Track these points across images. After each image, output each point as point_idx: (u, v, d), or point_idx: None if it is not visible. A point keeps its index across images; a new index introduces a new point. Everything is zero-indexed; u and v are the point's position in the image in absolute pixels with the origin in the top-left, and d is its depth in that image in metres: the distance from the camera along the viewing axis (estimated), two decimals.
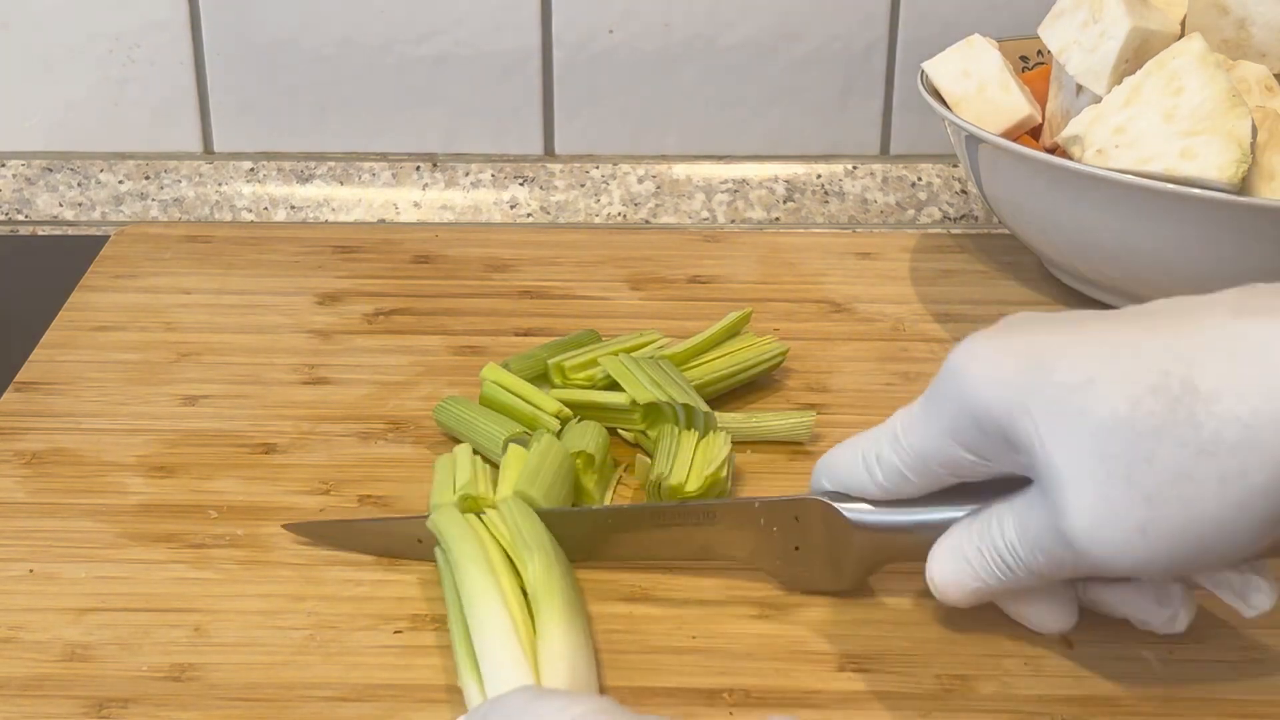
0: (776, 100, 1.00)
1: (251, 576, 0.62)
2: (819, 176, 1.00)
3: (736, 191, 1.00)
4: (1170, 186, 0.73)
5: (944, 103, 0.84)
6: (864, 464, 0.57)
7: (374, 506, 0.66)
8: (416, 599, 0.60)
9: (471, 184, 0.99)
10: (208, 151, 1.00)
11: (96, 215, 0.98)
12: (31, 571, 0.62)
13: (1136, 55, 0.79)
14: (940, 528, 0.56)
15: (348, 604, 0.60)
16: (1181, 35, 0.82)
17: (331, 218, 0.98)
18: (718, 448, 0.66)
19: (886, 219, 0.99)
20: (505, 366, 0.72)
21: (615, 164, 1.00)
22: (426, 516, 0.61)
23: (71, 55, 0.97)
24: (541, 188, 0.99)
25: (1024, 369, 0.51)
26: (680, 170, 1.00)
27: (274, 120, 0.99)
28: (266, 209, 0.99)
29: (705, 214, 0.99)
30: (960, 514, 0.56)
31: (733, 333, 0.76)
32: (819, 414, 0.72)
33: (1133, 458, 0.49)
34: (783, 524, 0.59)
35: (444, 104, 0.99)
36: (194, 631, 0.59)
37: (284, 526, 0.64)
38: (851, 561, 0.59)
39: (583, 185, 0.99)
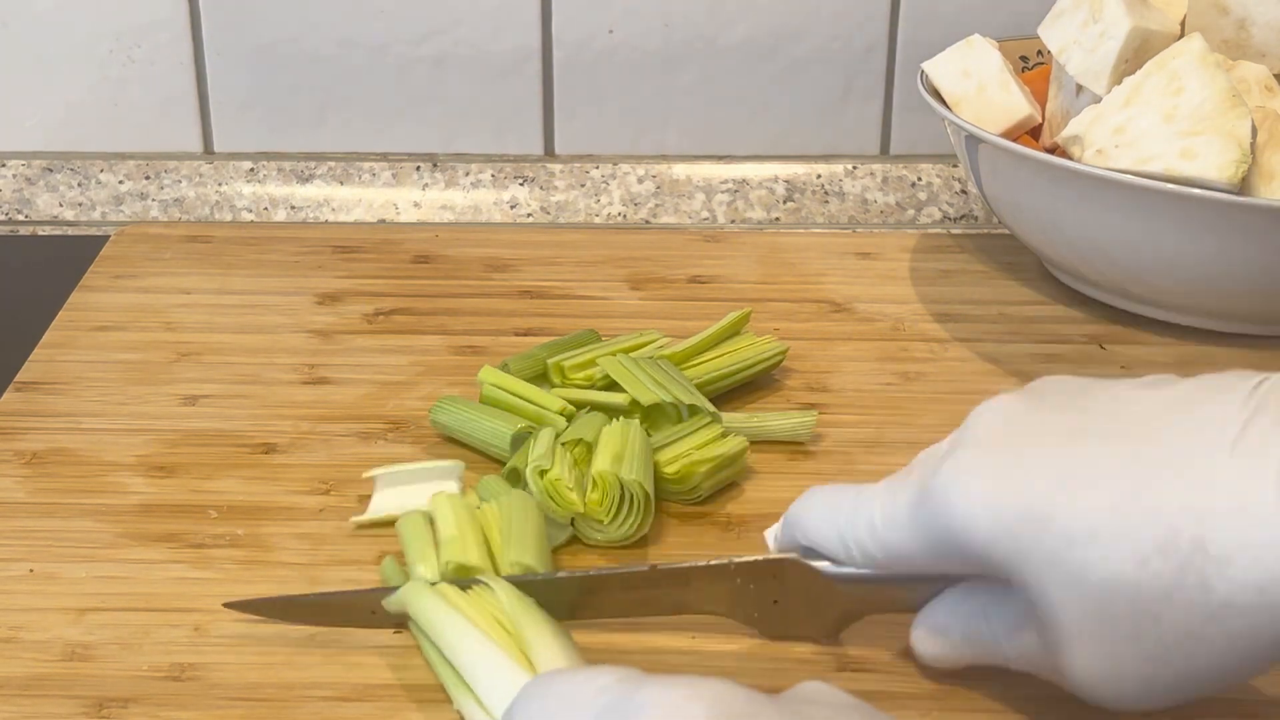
0: (776, 100, 1.00)
1: (251, 576, 0.62)
2: (819, 176, 1.00)
3: (736, 191, 1.00)
4: (1170, 186, 0.73)
5: (944, 103, 0.84)
6: (840, 542, 0.55)
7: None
8: None
9: (471, 184, 0.99)
10: (208, 151, 1.00)
11: (96, 215, 0.98)
12: (31, 571, 0.62)
13: (1136, 55, 0.79)
14: (929, 581, 0.55)
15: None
16: (1181, 35, 0.82)
17: (331, 218, 0.98)
18: (721, 449, 0.66)
19: (886, 219, 0.99)
20: (504, 367, 0.72)
21: (615, 164, 1.00)
22: (379, 592, 0.58)
23: (71, 55, 0.97)
24: (541, 188, 0.99)
25: (1022, 518, 0.49)
26: (680, 170, 1.00)
27: (274, 120, 0.99)
28: (266, 209, 0.99)
29: (705, 214, 0.99)
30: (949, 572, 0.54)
31: (732, 332, 0.76)
32: (819, 414, 0.72)
33: (1139, 618, 0.47)
34: (760, 581, 0.57)
35: (444, 104, 0.99)
36: (194, 631, 0.59)
37: (225, 605, 0.59)
38: (833, 613, 0.57)
39: (583, 185, 0.99)
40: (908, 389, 0.76)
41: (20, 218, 0.98)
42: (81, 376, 0.76)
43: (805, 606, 0.57)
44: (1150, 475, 0.47)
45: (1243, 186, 0.74)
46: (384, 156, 1.00)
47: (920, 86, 0.86)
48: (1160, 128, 0.75)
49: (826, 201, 0.99)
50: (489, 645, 0.53)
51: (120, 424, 0.72)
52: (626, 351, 0.73)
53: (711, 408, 0.68)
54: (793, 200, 1.00)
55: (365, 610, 0.58)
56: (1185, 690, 0.49)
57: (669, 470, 0.65)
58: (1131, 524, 0.47)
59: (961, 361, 0.79)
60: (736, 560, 0.57)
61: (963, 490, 0.50)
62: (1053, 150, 0.81)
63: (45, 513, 0.66)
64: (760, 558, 0.57)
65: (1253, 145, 0.73)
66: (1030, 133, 0.85)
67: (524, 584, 0.57)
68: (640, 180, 1.00)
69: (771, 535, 0.59)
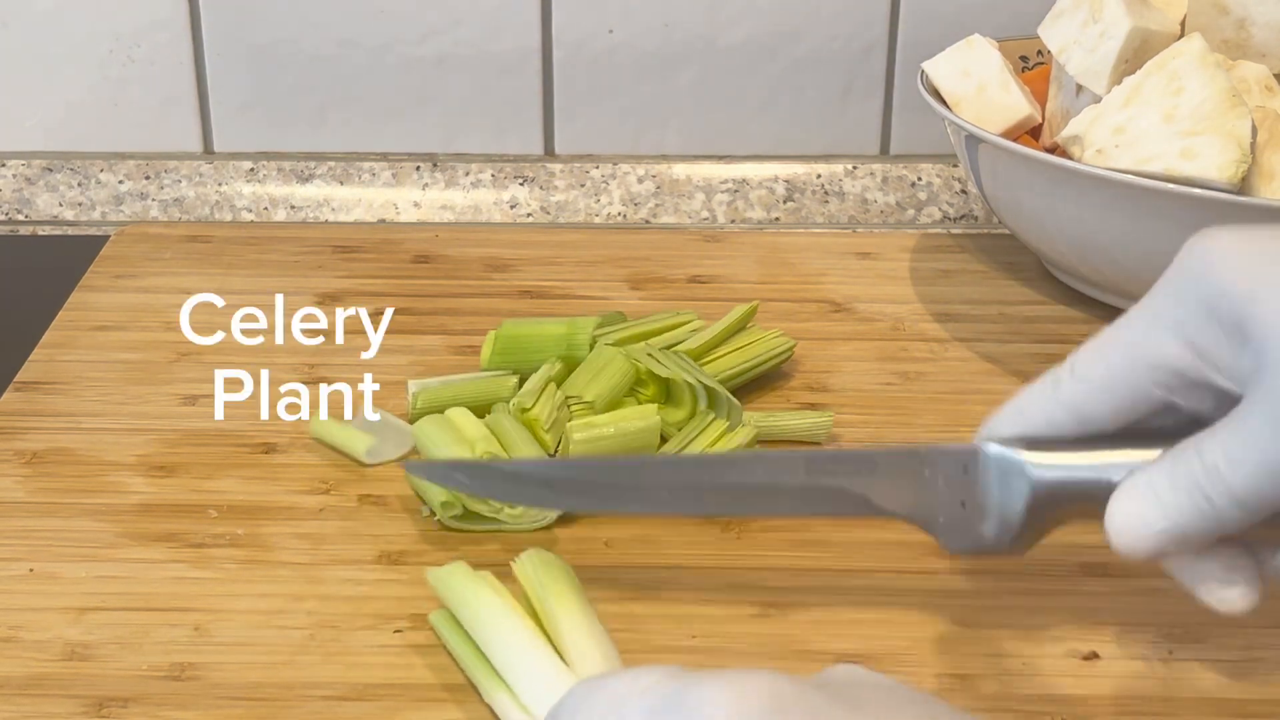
0: (776, 100, 1.00)
1: (251, 576, 0.62)
2: (819, 176, 1.00)
3: (736, 191, 1.00)
4: (1170, 186, 0.73)
5: (944, 102, 0.84)
6: (1052, 382, 0.51)
7: (374, 506, 0.66)
8: (416, 599, 0.60)
9: (471, 184, 0.99)
10: (208, 151, 1.00)
11: (96, 215, 0.98)
12: (31, 571, 0.62)
13: (1136, 55, 0.79)
14: (1131, 442, 0.51)
15: (348, 604, 0.60)
16: (1181, 35, 0.82)
17: (331, 218, 0.98)
18: (736, 441, 0.67)
19: (886, 219, 0.99)
20: (495, 340, 0.74)
21: (615, 164, 1.00)
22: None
23: (71, 55, 0.97)
24: (541, 188, 0.99)
25: (1271, 257, 0.47)
26: (680, 170, 1.00)
27: (274, 120, 0.99)
28: (266, 209, 0.99)
29: (705, 214, 0.99)
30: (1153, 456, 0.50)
31: (740, 327, 0.76)
32: (817, 413, 0.72)
33: None
34: (949, 475, 0.53)
35: (444, 104, 0.99)
36: (194, 631, 0.59)
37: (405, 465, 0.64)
38: (1023, 521, 0.52)
39: (583, 185, 0.99)
40: (908, 389, 0.76)
41: (20, 218, 0.98)
42: (81, 376, 0.76)
43: (995, 511, 0.53)
44: None
45: (1243, 186, 0.74)
46: (384, 156, 1.00)
47: (920, 86, 0.86)
48: (1160, 127, 0.75)
49: (826, 201, 0.99)
50: (531, 640, 0.53)
51: (120, 424, 0.72)
52: (661, 331, 0.74)
53: (735, 401, 0.69)
54: (793, 200, 1.00)
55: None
56: None
57: None
58: None
59: (961, 361, 0.79)
60: (926, 447, 0.54)
61: (1213, 237, 0.49)
62: (1053, 150, 0.81)
63: (45, 513, 0.66)
64: (954, 445, 0.54)
65: (1253, 145, 0.73)
66: (1030, 133, 0.85)
67: (691, 462, 0.55)
68: (640, 180, 1.00)
69: (984, 429, 0.54)
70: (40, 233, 0.98)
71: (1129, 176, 0.74)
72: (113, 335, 0.80)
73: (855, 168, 1.00)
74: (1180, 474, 0.48)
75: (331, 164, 1.00)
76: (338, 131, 0.99)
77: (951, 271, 0.89)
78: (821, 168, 1.00)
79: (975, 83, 0.84)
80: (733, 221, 0.99)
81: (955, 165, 1.00)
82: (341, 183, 0.99)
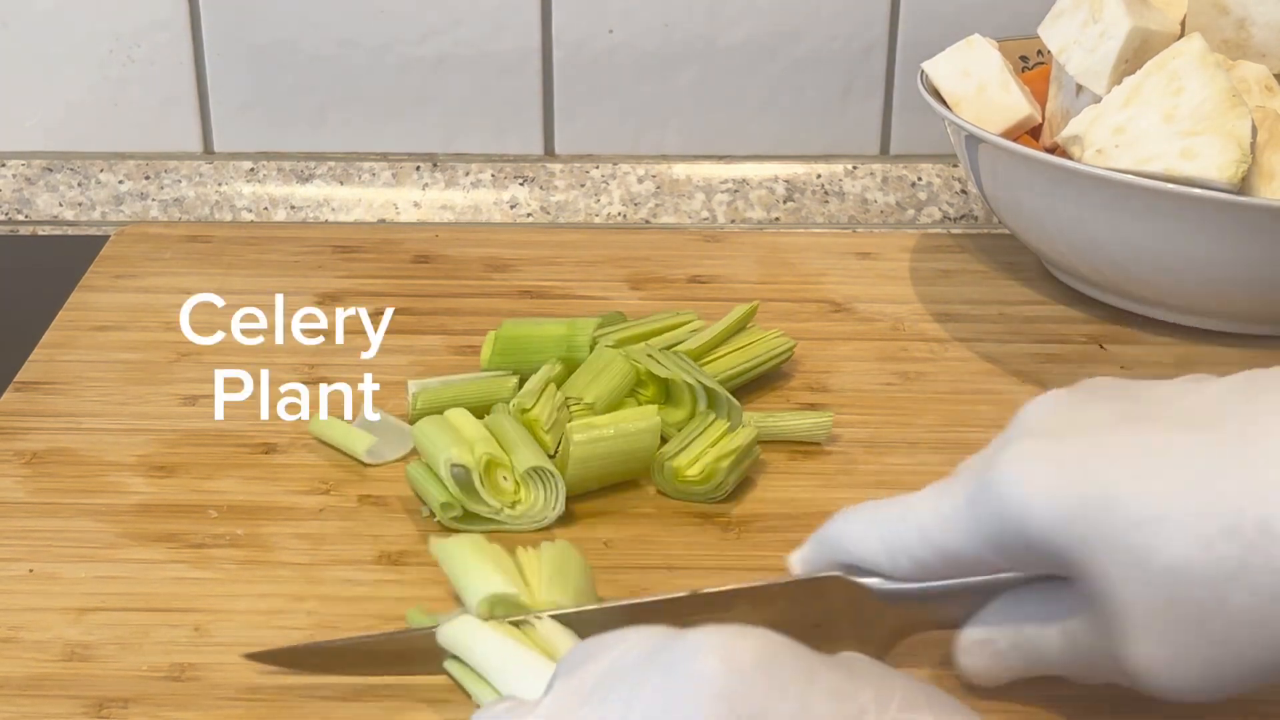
0: (776, 100, 1.00)
1: (251, 576, 0.62)
2: (819, 176, 1.00)
3: (736, 191, 1.00)
4: (1170, 186, 0.73)
5: (944, 103, 0.84)
6: (886, 552, 0.53)
7: (374, 506, 0.66)
8: (416, 599, 0.60)
9: (471, 184, 0.99)
10: (208, 151, 1.00)
11: (96, 215, 0.98)
12: (31, 571, 0.62)
13: (1136, 55, 0.79)
14: (978, 592, 0.53)
15: (348, 604, 0.60)
16: (1181, 35, 0.82)
17: (331, 218, 0.98)
18: (737, 442, 0.66)
19: (886, 219, 0.99)
20: (494, 341, 0.74)
21: (615, 164, 1.00)
22: (423, 630, 0.56)
23: (71, 55, 0.97)
24: (541, 188, 0.99)
25: (1085, 502, 0.48)
26: (680, 170, 1.00)
27: (274, 120, 0.99)
28: (266, 209, 0.99)
29: (705, 214, 0.99)
30: (1000, 577, 0.53)
31: (740, 327, 0.76)
32: (817, 414, 0.72)
33: (1204, 602, 0.46)
34: (803, 604, 0.55)
35: (444, 104, 0.99)
36: (194, 631, 0.59)
37: (245, 657, 0.56)
38: (879, 633, 0.55)
39: (583, 185, 0.99)
40: (908, 389, 0.76)
41: (20, 218, 0.98)
42: (81, 376, 0.76)
43: (850, 628, 0.55)
44: (1214, 458, 0.47)
45: (1243, 186, 0.74)
46: (384, 156, 1.00)
47: (920, 86, 0.85)
48: (1160, 127, 0.75)
49: (826, 201, 0.99)
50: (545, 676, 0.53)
51: (120, 424, 0.72)
52: (661, 331, 0.74)
53: (736, 401, 0.69)
54: (793, 200, 1.00)
55: (407, 654, 0.56)
56: (1250, 677, 0.48)
57: (691, 473, 0.66)
58: (1197, 506, 0.46)
59: (961, 361, 0.79)
60: (778, 583, 0.56)
61: (1023, 477, 0.49)
62: (1053, 150, 0.81)
63: (45, 513, 0.66)
64: (803, 577, 0.55)
65: (1253, 145, 0.73)
66: (1030, 133, 0.85)
67: (569, 619, 0.55)
68: (640, 180, 1.00)
69: (798, 559, 0.56)
70: (40, 233, 0.98)
71: (1129, 176, 0.74)
72: (113, 335, 0.80)
73: (855, 168, 1.00)
74: (1022, 642, 0.53)
75: (331, 164, 1.00)
76: (338, 131, 0.99)
77: (951, 271, 0.89)
78: (821, 168, 1.00)
79: (975, 83, 0.84)
80: (733, 221, 0.99)
81: (955, 165, 1.00)
82: (341, 183, 0.99)
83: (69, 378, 0.76)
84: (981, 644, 0.54)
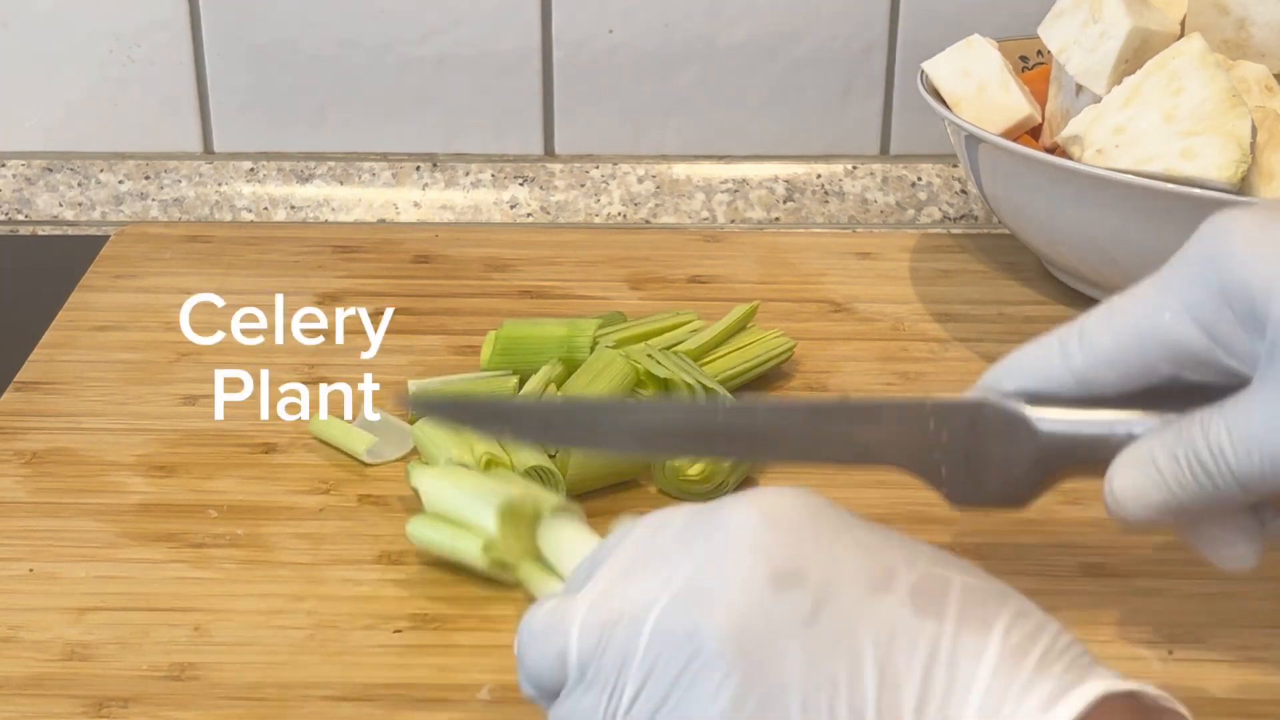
0: (776, 100, 1.00)
1: (251, 576, 0.62)
2: (819, 176, 1.00)
3: (736, 191, 1.00)
4: (1170, 186, 0.73)
5: (944, 103, 0.84)
6: (1060, 346, 0.52)
7: (374, 506, 0.66)
8: (416, 599, 0.60)
9: (471, 184, 0.99)
10: (208, 151, 1.00)
11: (96, 215, 0.98)
12: (31, 571, 0.62)
13: (1136, 55, 0.79)
14: (1131, 431, 0.51)
15: (348, 604, 0.60)
16: (1182, 35, 0.82)
17: (331, 218, 0.98)
18: None
19: (886, 219, 0.99)
20: (495, 341, 0.74)
21: (615, 164, 1.00)
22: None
23: (71, 55, 0.97)
24: (541, 188, 0.99)
25: None
26: (680, 170, 1.00)
27: (274, 120, 0.99)
28: (266, 209, 0.99)
29: (705, 214, 0.99)
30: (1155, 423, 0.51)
31: (740, 327, 0.76)
32: None
33: None
34: (955, 429, 0.53)
35: (444, 104, 0.99)
36: (194, 631, 0.59)
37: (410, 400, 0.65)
38: (1026, 475, 0.53)
39: (583, 185, 0.99)
40: (908, 389, 0.76)
41: (20, 218, 0.98)
42: (81, 376, 0.76)
43: (998, 465, 0.53)
44: None
45: (1242, 186, 0.74)
46: (384, 156, 1.00)
47: (920, 86, 0.85)
48: (1160, 127, 0.75)
49: (826, 201, 0.99)
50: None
51: (120, 424, 0.72)
52: (662, 331, 0.74)
53: (731, 396, 0.69)
54: (793, 200, 1.00)
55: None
56: None
57: (692, 473, 0.66)
58: None
59: (961, 361, 0.79)
60: (930, 400, 0.54)
61: (1232, 222, 0.48)
62: (1053, 150, 0.81)
63: (45, 513, 0.66)
64: (961, 398, 0.54)
65: (1253, 145, 0.74)
66: (1030, 133, 0.85)
67: (702, 410, 0.54)
68: (640, 180, 1.00)
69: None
70: (40, 233, 0.98)
71: (1129, 176, 0.74)
72: (113, 335, 0.80)
73: (855, 168, 1.00)
74: (1182, 450, 0.49)
75: (331, 164, 1.00)
76: (338, 131, 0.99)
77: (951, 271, 0.89)
78: (821, 168, 1.00)
79: (975, 83, 0.84)
80: (733, 221, 0.99)
81: (955, 165, 1.00)
82: (341, 183, 0.99)
83: (69, 378, 0.76)
84: (1138, 458, 0.50)
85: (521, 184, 0.99)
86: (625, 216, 0.99)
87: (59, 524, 0.65)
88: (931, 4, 0.97)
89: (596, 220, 0.99)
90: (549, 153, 1.00)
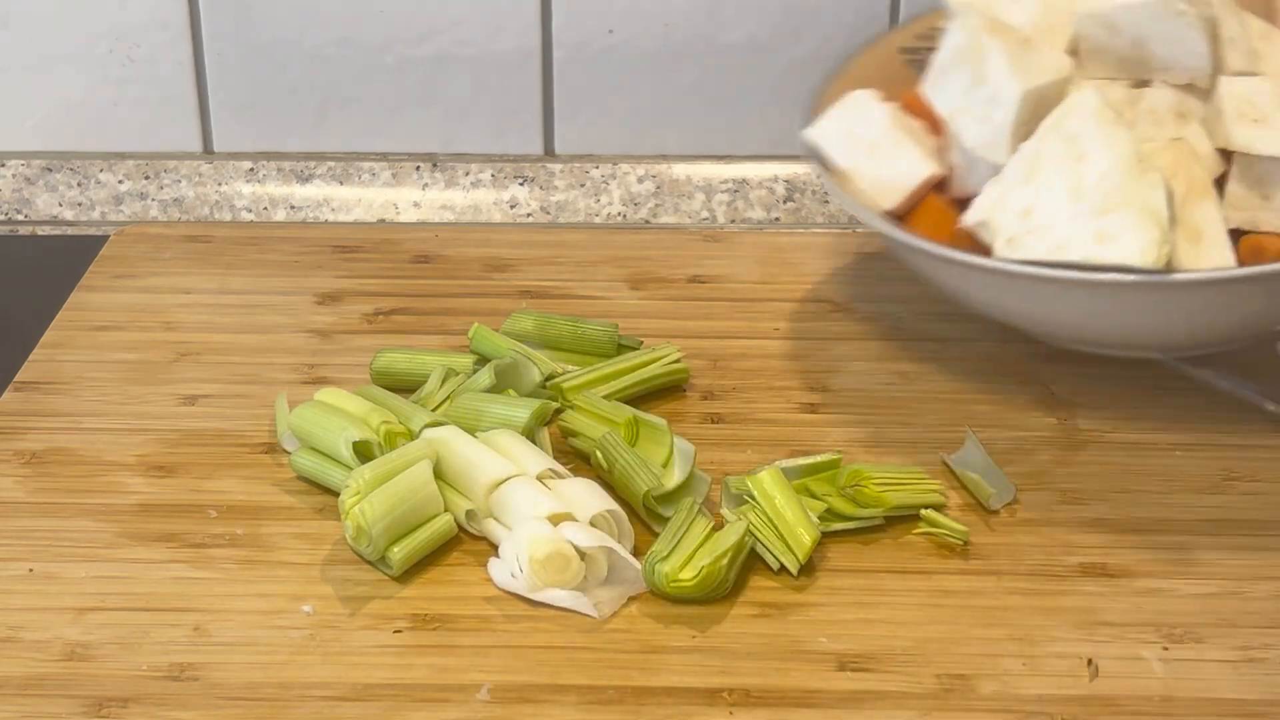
0: (776, 100, 0.99)
1: (251, 576, 0.62)
2: (819, 176, 1.00)
3: (736, 191, 1.00)
4: (1091, 277, 0.67)
5: (833, 171, 0.77)
6: None
7: None
8: (416, 599, 0.60)
9: (471, 184, 0.99)
10: (207, 151, 1.00)
11: (96, 215, 0.98)
12: (31, 571, 0.62)
13: (1033, 115, 0.72)
14: None
15: (348, 604, 0.60)
16: (1073, 62, 0.75)
17: (331, 218, 0.98)
18: (724, 538, 0.62)
19: None
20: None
21: (615, 164, 1.00)
22: None
23: (71, 55, 0.97)
24: (541, 188, 0.99)
25: None
26: (680, 170, 1.00)
27: (274, 120, 0.99)
28: (266, 209, 0.99)
29: (705, 214, 0.99)
30: None
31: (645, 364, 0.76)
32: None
33: None
34: None
35: (444, 104, 0.99)
36: (194, 631, 0.59)
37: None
38: None
39: (583, 185, 0.99)
40: (908, 389, 0.76)
41: (20, 217, 0.98)
42: (81, 376, 0.76)
43: None
44: None
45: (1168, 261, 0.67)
46: (384, 156, 1.00)
47: (809, 157, 0.78)
48: (1069, 207, 0.68)
49: (826, 201, 0.99)
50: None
51: (120, 424, 0.72)
52: (639, 367, 0.74)
53: (661, 421, 0.69)
54: (792, 200, 0.99)
55: None
56: None
57: (690, 581, 0.61)
58: None
59: (962, 361, 0.79)
60: None
61: None
62: (965, 202, 0.74)
63: (45, 513, 0.66)
64: None
65: (1170, 217, 0.67)
66: (938, 185, 0.77)
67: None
68: (640, 180, 1.00)
69: None
70: (40, 233, 0.98)
71: (1045, 270, 0.67)
72: (112, 335, 0.80)
73: None
74: None
75: (331, 164, 0.99)
76: (337, 131, 0.99)
77: None
78: None
79: (866, 145, 0.76)
80: (733, 221, 0.99)
81: None
82: (341, 183, 0.99)
83: (69, 378, 0.76)
84: None
85: (521, 184, 0.99)
86: (625, 216, 0.99)
87: (59, 524, 0.65)
88: (931, 4, 0.97)
89: (596, 220, 0.99)
90: (549, 152, 1.00)
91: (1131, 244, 0.66)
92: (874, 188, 0.76)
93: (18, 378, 0.76)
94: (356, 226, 0.97)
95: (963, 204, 0.74)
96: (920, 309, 0.84)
